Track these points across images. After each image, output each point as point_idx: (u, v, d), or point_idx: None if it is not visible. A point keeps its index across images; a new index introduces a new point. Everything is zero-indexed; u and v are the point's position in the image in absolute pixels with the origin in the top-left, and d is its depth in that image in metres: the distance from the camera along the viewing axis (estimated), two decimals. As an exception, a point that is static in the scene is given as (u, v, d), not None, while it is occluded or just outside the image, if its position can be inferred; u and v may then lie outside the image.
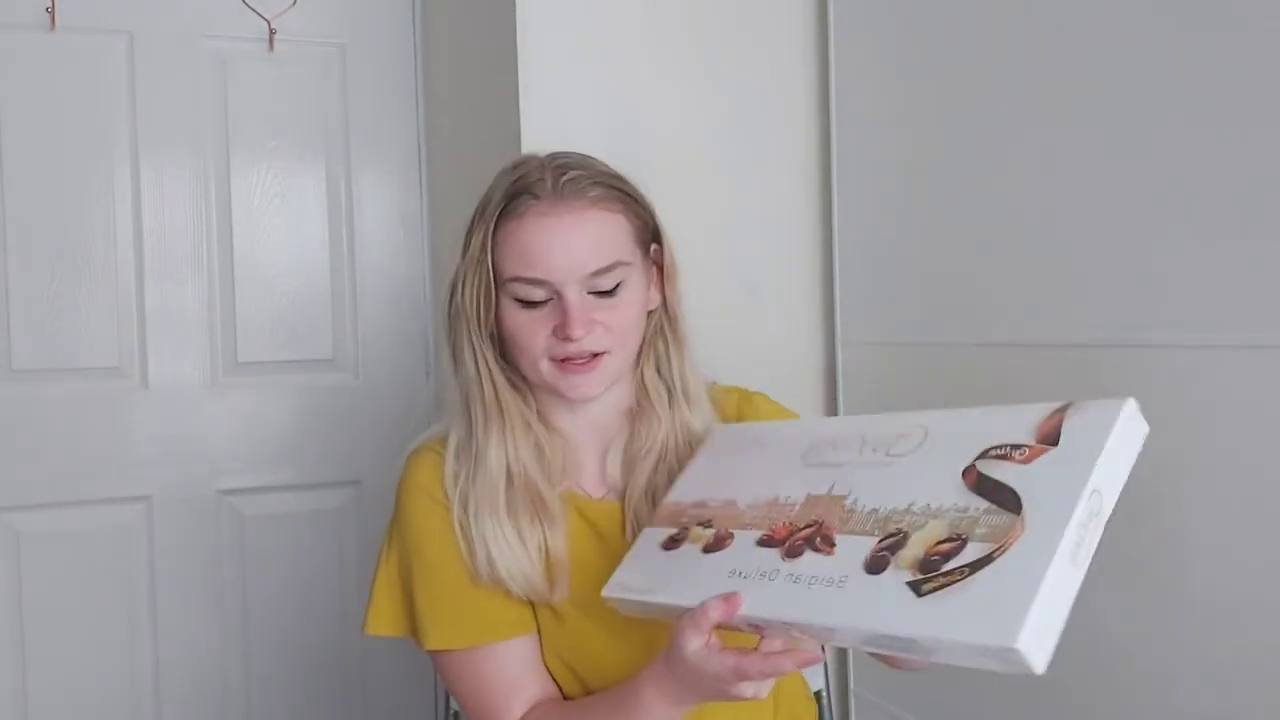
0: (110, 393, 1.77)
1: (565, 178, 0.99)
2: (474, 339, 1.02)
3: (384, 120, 1.92)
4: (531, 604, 1.04)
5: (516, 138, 1.50)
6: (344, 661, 1.91)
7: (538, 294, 0.98)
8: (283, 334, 1.86)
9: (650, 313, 1.07)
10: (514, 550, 1.00)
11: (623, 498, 1.06)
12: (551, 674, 1.04)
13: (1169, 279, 1.09)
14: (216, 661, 1.83)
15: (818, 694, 1.18)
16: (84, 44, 1.74)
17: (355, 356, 1.91)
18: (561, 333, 0.97)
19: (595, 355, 0.99)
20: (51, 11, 1.70)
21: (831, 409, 1.63)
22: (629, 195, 1.03)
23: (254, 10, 1.82)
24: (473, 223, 1.02)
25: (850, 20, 1.56)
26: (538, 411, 1.06)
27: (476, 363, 1.03)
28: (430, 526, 1.04)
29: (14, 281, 1.71)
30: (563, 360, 0.99)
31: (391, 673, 1.93)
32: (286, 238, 1.86)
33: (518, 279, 0.98)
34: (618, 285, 0.99)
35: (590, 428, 1.08)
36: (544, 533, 1.01)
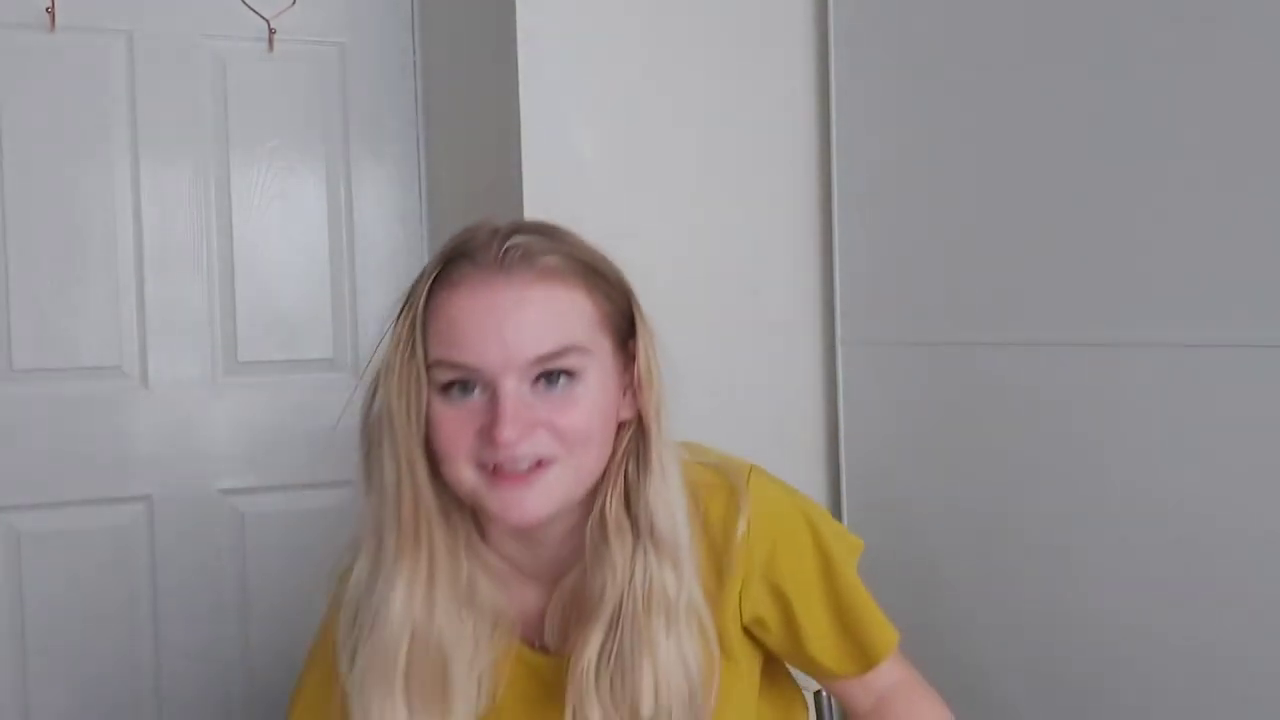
0: (110, 392, 1.77)
1: (512, 242, 0.80)
2: (398, 440, 0.81)
3: (384, 120, 1.92)
4: None
5: (517, 138, 1.50)
6: (344, 661, 1.90)
7: (466, 378, 0.78)
8: (283, 334, 1.86)
9: (623, 425, 0.85)
10: None
11: (554, 654, 0.87)
12: None
13: (1171, 278, 1.09)
14: (217, 661, 1.83)
15: (817, 694, 1.18)
16: (84, 44, 1.74)
17: (355, 356, 1.91)
18: (488, 434, 0.77)
19: (537, 464, 0.79)
20: (51, 11, 1.70)
21: (831, 409, 1.64)
22: (598, 273, 0.83)
23: (254, 10, 1.82)
24: (404, 300, 0.83)
25: (850, 20, 1.56)
26: (483, 536, 0.87)
27: (399, 470, 0.82)
28: (311, 681, 0.95)
29: (14, 281, 1.71)
30: (493, 470, 0.79)
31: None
32: (286, 237, 1.86)
33: (442, 362, 0.79)
34: (572, 377, 0.80)
35: (547, 557, 0.88)
36: None
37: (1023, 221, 1.27)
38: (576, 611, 0.84)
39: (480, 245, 0.81)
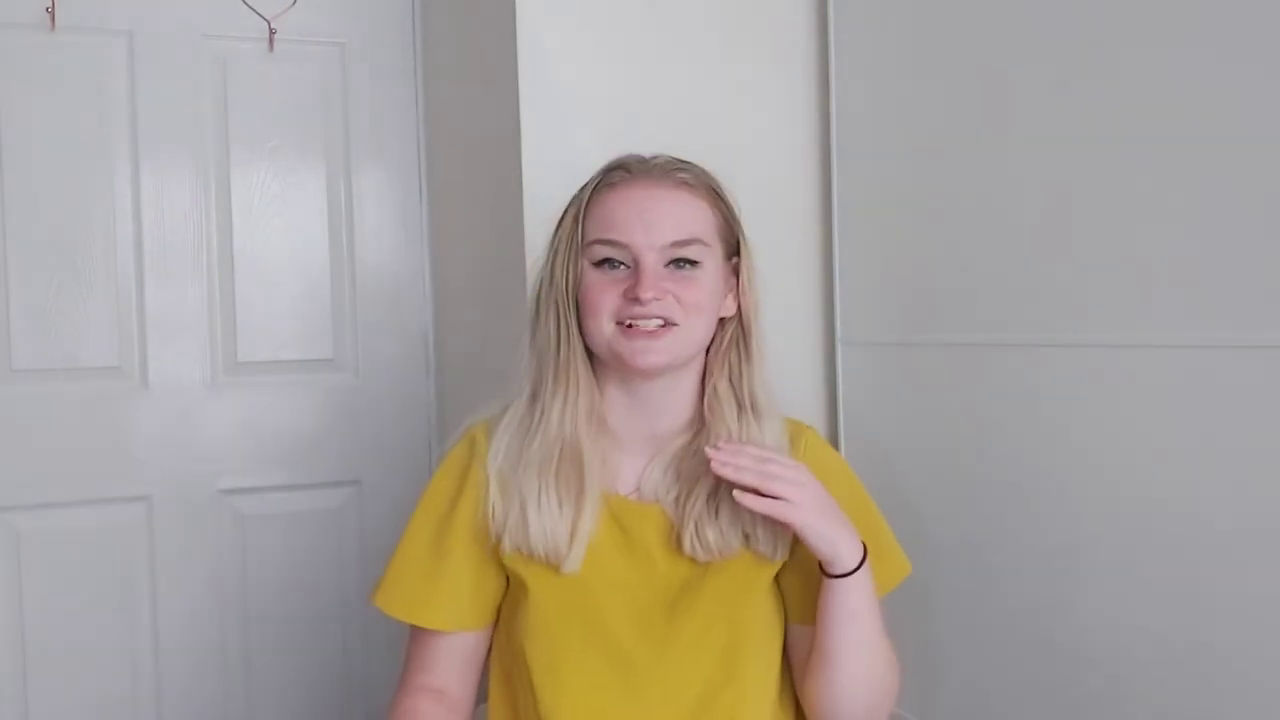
0: (110, 393, 1.77)
1: (657, 160, 1.07)
2: (560, 305, 1.05)
3: (384, 120, 1.92)
4: (489, 607, 1.10)
5: (516, 138, 1.50)
6: (344, 661, 1.91)
7: (616, 255, 1.02)
8: (283, 334, 1.86)
9: (724, 321, 1.09)
10: (551, 512, 1.03)
11: (650, 501, 1.08)
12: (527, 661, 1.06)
13: (1172, 279, 1.09)
14: (217, 661, 1.83)
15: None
16: (84, 44, 1.74)
17: (355, 356, 1.91)
18: (632, 294, 1.01)
19: (663, 327, 1.02)
20: (51, 11, 1.70)
21: (831, 409, 1.63)
22: (718, 194, 1.08)
23: (254, 10, 1.82)
24: (569, 204, 1.07)
25: (850, 20, 1.56)
26: (596, 421, 1.08)
27: (558, 326, 1.05)
28: (442, 490, 1.10)
29: (14, 281, 1.71)
30: (629, 326, 1.02)
31: (393, 672, 1.92)
32: (286, 238, 1.86)
33: (599, 241, 1.03)
34: (695, 263, 1.03)
35: (646, 430, 1.09)
36: (575, 507, 1.04)
37: (1022, 222, 1.27)
38: (685, 466, 1.07)
39: (634, 161, 1.07)
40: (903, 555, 1.14)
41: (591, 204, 1.04)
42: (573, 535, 1.03)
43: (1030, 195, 1.26)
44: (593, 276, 1.03)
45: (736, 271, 1.09)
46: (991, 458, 1.33)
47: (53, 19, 1.71)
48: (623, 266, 1.03)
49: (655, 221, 1.02)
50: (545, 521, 1.03)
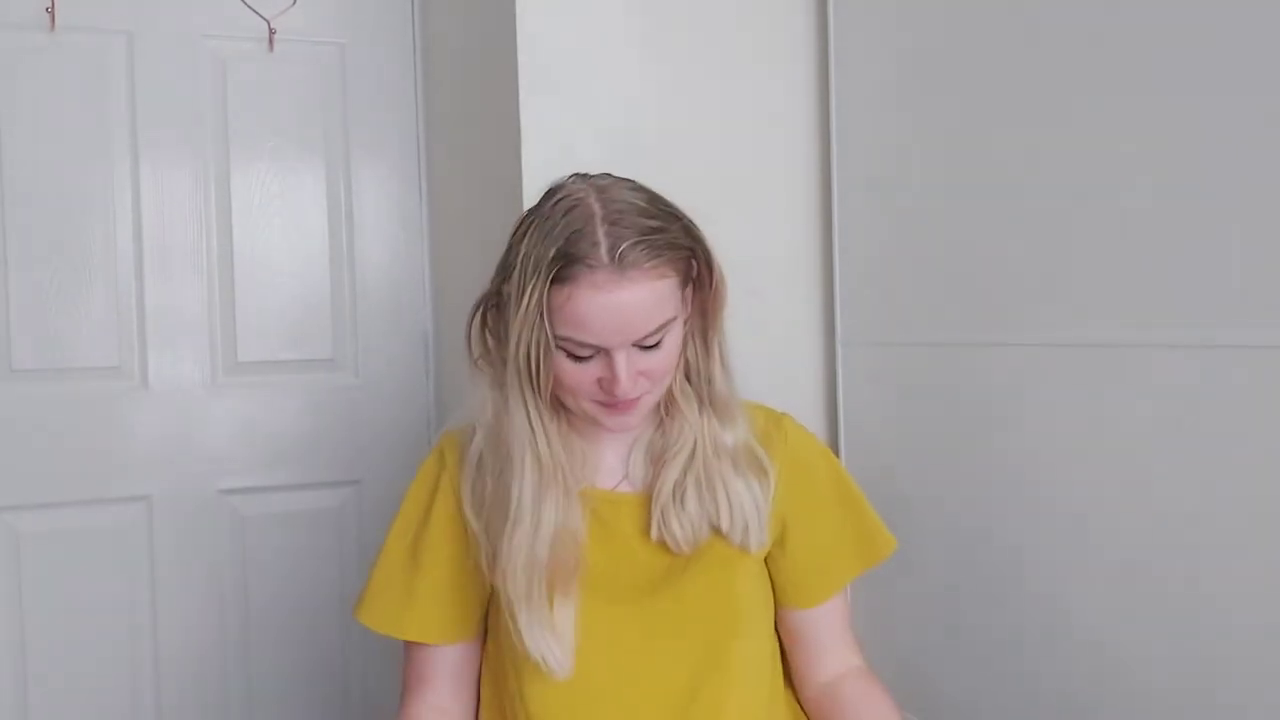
0: (110, 393, 1.77)
1: (622, 248, 0.97)
2: (526, 395, 1.03)
3: (384, 120, 1.92)
4: (477, 615, 1.12)
5: (516, 137, 1.50)
6: (344, 661, 1.91)
7: (587, 352, 1.01)
8: (283, 334, 1.86)
9: (684, 322, 1.08)
10: (542, 621, 1.02)
11: (641, 490, 1.09)
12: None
13: (1173, 279, 1.09)
14: (216, 661, 1.83)
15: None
16: (84, 44, 1.74)
17: (355, 356, 1.91)
18: (609, 388, 1.01)
19: (636, 398, 1.03)
20: (51, 11, 1.70)
21: (831, 409, 1.63)
22: (679, 247, 1.02)
23: (254, 10, 1.82)
24: (522, 269, 1.00)
25: (850, 20, 1.56)
26: (567, 419, 1.09)
27: (529, 420, 1.04)
28: (415, 505, 1.12)
29: (14, 281, 1.71)
30: (605, 403, 1.03)
31: (393, 672, 1.92)
32: (286, 237, 1.86)
33: (571, 340, 1.00)
34: (663, 339, 1.02)
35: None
36: (565, 605, 1.04)
37: (1022, 222, 1.27)
38: (652, 455, 1.10)
39: (591, 247, 0.97)
40: (887, 532, 1.18)
41: (554, 297, 0.98)
42: (561, 639, 1.03)
43: (1031, 195, 1.26)
44: (565, 364, 1.01)
45: (694, 278, 1.07)
46: (991, 458, 1.33)
47: (53, 19, 1.71)
48: (593, 354, 1.01)
49: (627, 324, 0.99)
50: (536, 633, 1.02)
